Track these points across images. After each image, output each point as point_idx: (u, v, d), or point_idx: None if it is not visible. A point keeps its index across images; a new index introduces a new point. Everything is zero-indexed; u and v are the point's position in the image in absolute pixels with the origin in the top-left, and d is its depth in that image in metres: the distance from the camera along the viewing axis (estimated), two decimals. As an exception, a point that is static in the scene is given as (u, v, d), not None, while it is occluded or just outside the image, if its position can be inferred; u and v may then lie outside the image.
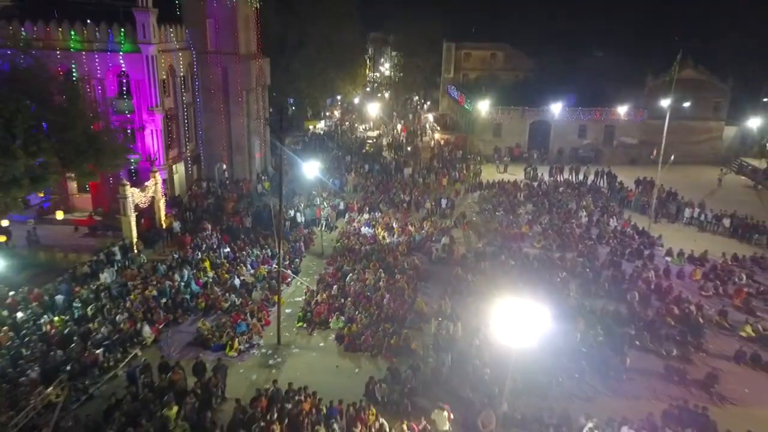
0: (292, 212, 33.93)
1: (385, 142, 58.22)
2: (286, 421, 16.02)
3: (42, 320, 20.60)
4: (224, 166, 39.75)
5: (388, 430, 16.27)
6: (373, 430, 16.22)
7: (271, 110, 46.09)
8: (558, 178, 46.34)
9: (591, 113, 52.78)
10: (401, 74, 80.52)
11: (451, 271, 28.20)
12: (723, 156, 52.77)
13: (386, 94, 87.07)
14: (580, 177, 46.58)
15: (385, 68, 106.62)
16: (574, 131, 53.51)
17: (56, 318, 21.14)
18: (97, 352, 19.18)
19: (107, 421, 15.78)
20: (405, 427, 16.28)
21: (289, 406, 16.58)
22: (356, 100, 77.45)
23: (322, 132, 61.43)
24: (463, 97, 58.59)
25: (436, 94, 77.56)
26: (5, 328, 19.84)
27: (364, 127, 66.01)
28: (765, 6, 58.19)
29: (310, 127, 60.46)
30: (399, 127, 65.92)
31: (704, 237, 35.57)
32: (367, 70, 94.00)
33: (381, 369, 20.15)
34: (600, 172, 46.36)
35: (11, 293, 21.74)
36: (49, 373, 18.07)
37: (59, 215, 28.52)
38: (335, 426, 16.00)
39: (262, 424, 15.66)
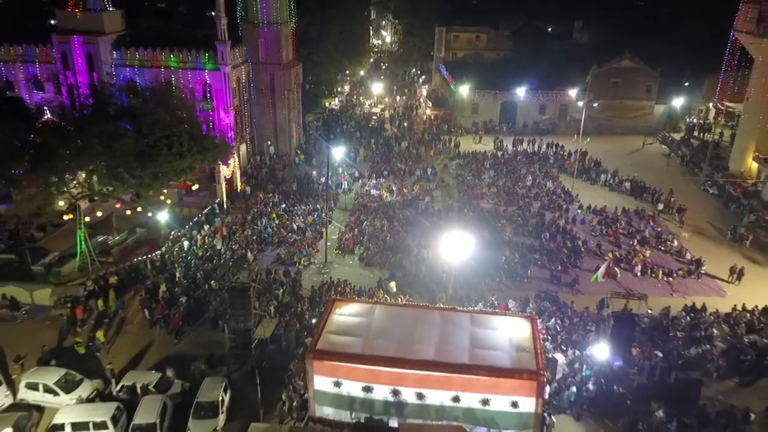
0: (322, 179, 48.74)
1: (387, 114, 71.76)
2: (338, 295, 31.56)
3: (191, 248, 36.08)
4: (269, 143, 54.38)
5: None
6: (381, 299, 31.73)
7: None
8: (518, 148, 60.31)
9: (549, 94, 66.01)
10: (401, 50, 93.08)
11: (429, 220, 43.30)
12: (653, 129, 66.37)
13: (384, 66, 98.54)
14: (536, 147, 60.71)
15: (387, 33, 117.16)
16: (536, 109, 66.49)
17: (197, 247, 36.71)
18: (230, 264, 34.66)
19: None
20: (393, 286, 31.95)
21: (339, 289, 32.17)
22: (362, 73, 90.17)
23: (337, 108, 74.00)
24: (450, 78, 71.98)
25: (431, 65, 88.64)
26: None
27: (369, 102, 78.14)
28: (681, 11, 71.68)
29: (327, 104, 72.90)
30: (397, 99, 79.26)
31: (612, 195, 49.30)
32: (370, 37, 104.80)
33: (385, 275, 35.29)
34: (550, 144, 60.43)
35: (173, 232, 37.24)
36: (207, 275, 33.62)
37: (195, 187, 43.59)
38: (363, 298, 31.53)
39: (327, 297, 31.17)
